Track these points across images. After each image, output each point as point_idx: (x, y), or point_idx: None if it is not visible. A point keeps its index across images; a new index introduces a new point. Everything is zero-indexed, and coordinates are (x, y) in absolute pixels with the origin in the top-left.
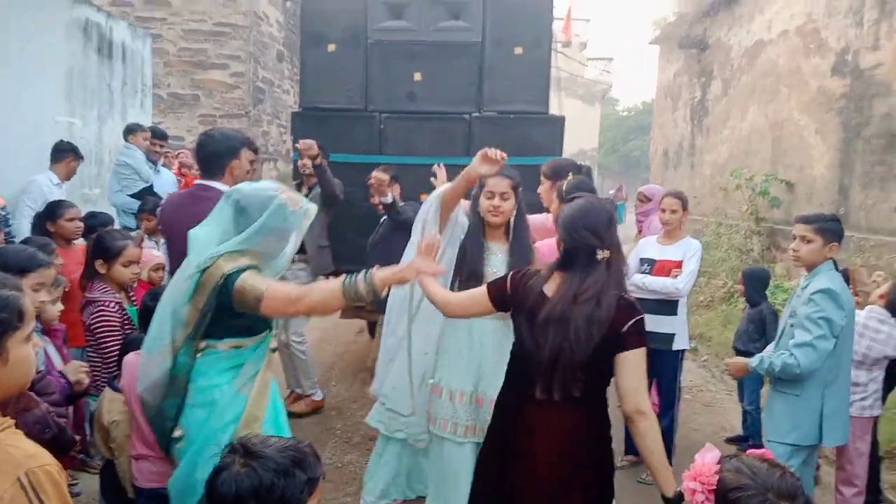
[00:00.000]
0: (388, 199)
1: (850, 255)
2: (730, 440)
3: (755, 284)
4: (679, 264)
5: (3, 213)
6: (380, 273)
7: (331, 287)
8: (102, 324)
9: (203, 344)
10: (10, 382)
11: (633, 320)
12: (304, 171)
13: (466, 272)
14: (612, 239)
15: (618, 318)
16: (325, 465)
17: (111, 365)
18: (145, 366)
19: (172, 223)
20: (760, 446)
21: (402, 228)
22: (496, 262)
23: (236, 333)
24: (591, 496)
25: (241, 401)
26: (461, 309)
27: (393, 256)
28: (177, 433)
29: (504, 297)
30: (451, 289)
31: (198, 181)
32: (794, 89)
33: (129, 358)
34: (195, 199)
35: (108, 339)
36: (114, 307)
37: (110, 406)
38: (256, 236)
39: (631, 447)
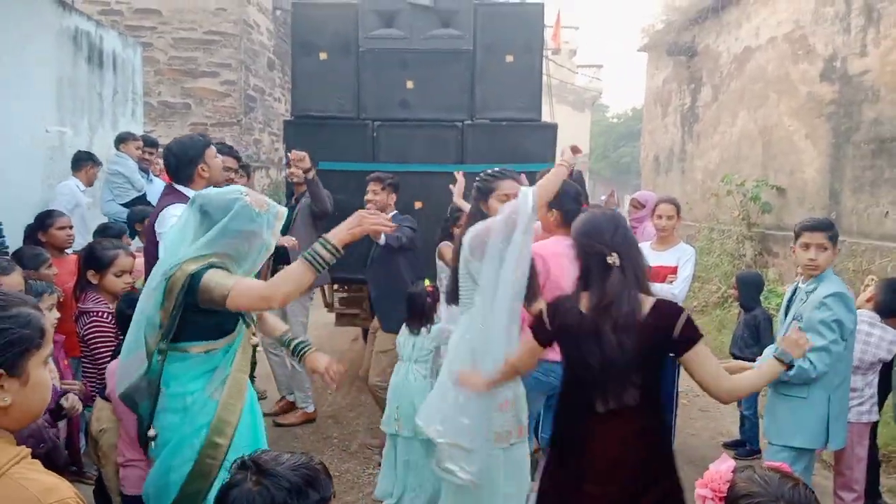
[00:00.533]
0: (381, 241)
1: (841, 260)
2: (727, 445)
3: (749, 290)
4: (674, 270)
5: None
6: (334, 234)
7: (295, 269)
8: (96, 334)
9: (176, 347)
10: (28, 407)
11: (682, 318)
12: (292, 181)
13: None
14: (622, 242)
15: (663, 323)
16: None
17: (105, 375)
18: (125, 368)
19: (146, 230)
20: (758, 451)
21: (392, 251)
22: None
23: (207, 336)
24: (659, 500)
25: (212, 406)
26: (527, 363)
27: (392, 276)
28: (151, 432)
29: (547, 333)
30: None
31: (171, 185)
32: (784, 95)
33: (112, 366)
34: (158, 203)
35: (101, 350)
36: (107, 317)
37: (99, 414)
38: (221, 238)
39: None
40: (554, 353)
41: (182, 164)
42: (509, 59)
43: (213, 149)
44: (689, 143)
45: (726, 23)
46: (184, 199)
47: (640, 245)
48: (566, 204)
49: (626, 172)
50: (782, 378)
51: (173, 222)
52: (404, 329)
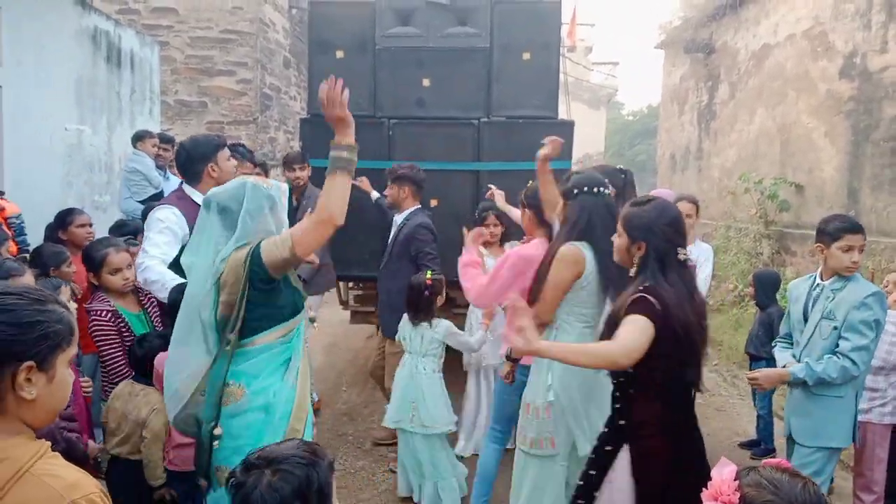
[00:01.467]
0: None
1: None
2: (743, 445)
3: (765, 288)
4: (692, 269)
5: (18, 221)
6: (341, 136)
7: (334, 182)
8: (96, 332)
9: (251, 342)
10: (51, 404)
11: None
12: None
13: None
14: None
15: None
16: (337, 471)
17: (112, 371)
18: (174, 398)
19: None
20: (773, 449)
21: (408, 258)
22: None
23: (283, 317)
24: None
25: (291, 394)
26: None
27: (400, 284)
28: (217, 431)
29: (661, 318)
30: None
31: (180, 186)
32: (802, 92)
33: (162, 357)
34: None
35: (104, 347)
36: (106, 315)
37: (148, 398)
38: (250, 223)
39: None
40: (527, 359)
41: (192, 161)
42: (526, 56)
43: (226, 151)
44: (705, 141)
45: (744, 19)
46: (181, 204)
47: None
48: (536, 202)
49: (642, 170)
50: (824, 379)
51: (159, 227)
52: (407, 323)
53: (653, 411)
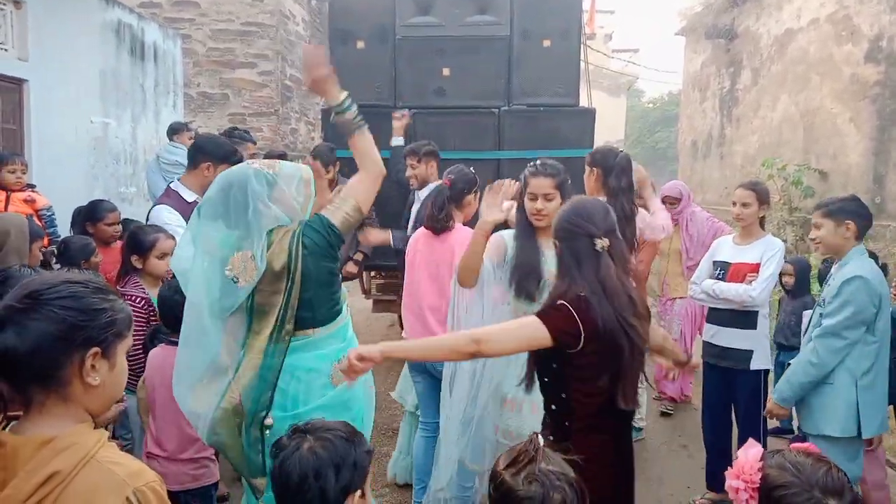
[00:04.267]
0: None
1: (887, 245)
2: (771, 432)
3: (804, 276)
4: (756, 268)
5: (49, 213)
6: (327, 95)
7: (360, 139)
8: None
9: (335, 324)
10: (110, 392)
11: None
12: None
13: (525, 271)
14: (609, 226)
15: None
16: None
17: (135, 359)
18: (192, 416)
19: None
20: (802, 439)
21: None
22: (550, 262)
23: (341, 304)
24: None
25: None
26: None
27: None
28: (268, 421)
29: (571, 334)
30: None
31: (168, 186)
32: (827, 77)
33: (156, 352)
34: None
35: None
36: (140, 302)
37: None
38: (264, 209)
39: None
40: None
41: (199, 151)
42: (546, 44)
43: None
44: (728, 128)
45: (767, 4)
46: (169, 201)
47: (722, 238)
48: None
49: (663, 158)
50: (803, 386)
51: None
52: None
53: (592, 444)
